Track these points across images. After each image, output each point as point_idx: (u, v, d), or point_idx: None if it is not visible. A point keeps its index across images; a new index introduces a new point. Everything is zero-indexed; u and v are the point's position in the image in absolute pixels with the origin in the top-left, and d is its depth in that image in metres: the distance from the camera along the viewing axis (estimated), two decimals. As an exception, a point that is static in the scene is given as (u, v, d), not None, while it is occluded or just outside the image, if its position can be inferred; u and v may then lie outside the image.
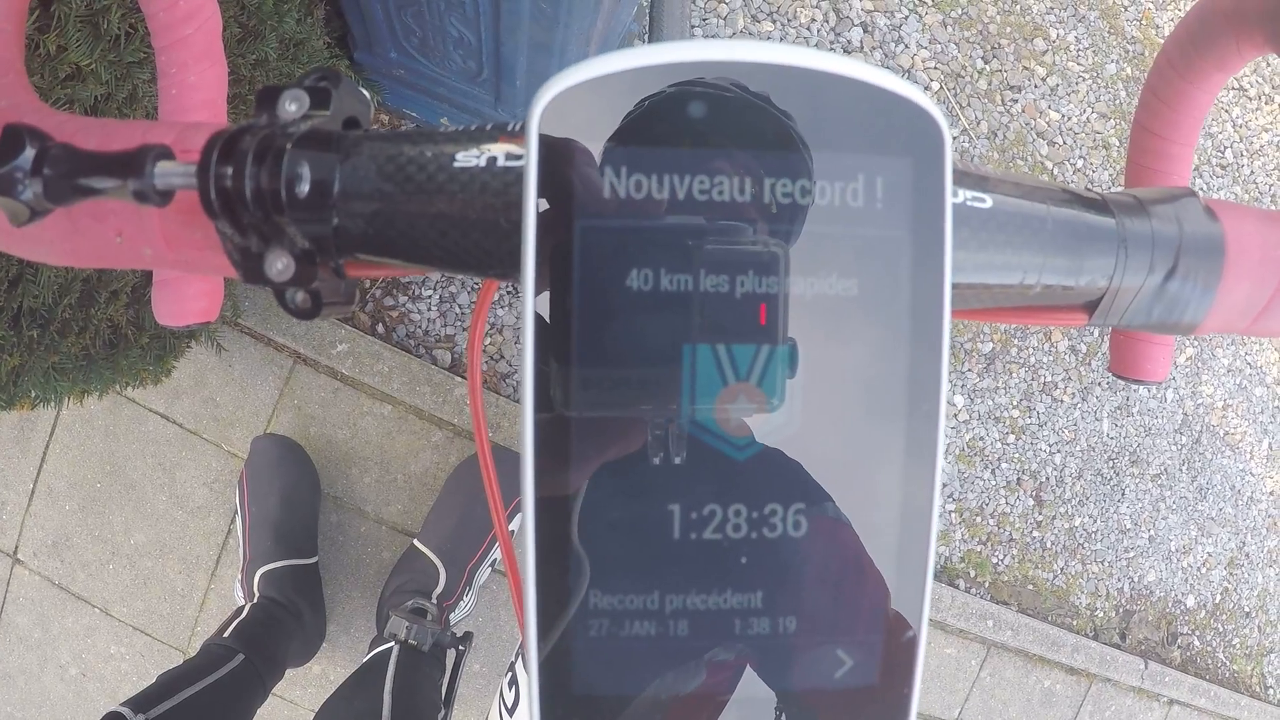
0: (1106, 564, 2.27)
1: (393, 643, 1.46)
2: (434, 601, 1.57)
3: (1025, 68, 2.14)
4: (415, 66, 1.46)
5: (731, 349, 0.30)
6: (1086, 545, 2.24)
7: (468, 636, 1.49)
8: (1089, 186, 0.41)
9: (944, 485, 2.09)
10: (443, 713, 1.37)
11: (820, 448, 0.30)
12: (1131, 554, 2.29)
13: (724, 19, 1.92)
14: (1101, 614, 2.27)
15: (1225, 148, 2.36)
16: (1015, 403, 2.13)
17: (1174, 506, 2.32)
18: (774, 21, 1.95)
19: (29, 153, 0.32)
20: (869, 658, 0.31)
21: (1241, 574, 2.43)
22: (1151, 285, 0.39)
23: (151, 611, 1.75)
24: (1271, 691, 2.52)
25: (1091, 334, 2.19)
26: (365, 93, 0.38)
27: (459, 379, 1.71)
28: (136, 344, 1.30)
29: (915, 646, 0.32)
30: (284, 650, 1.53)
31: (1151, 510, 2.30)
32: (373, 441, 1.72)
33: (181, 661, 1.41)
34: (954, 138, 2.01)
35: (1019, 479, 2.15)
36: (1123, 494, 2.26)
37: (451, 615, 1.62)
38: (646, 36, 1.25)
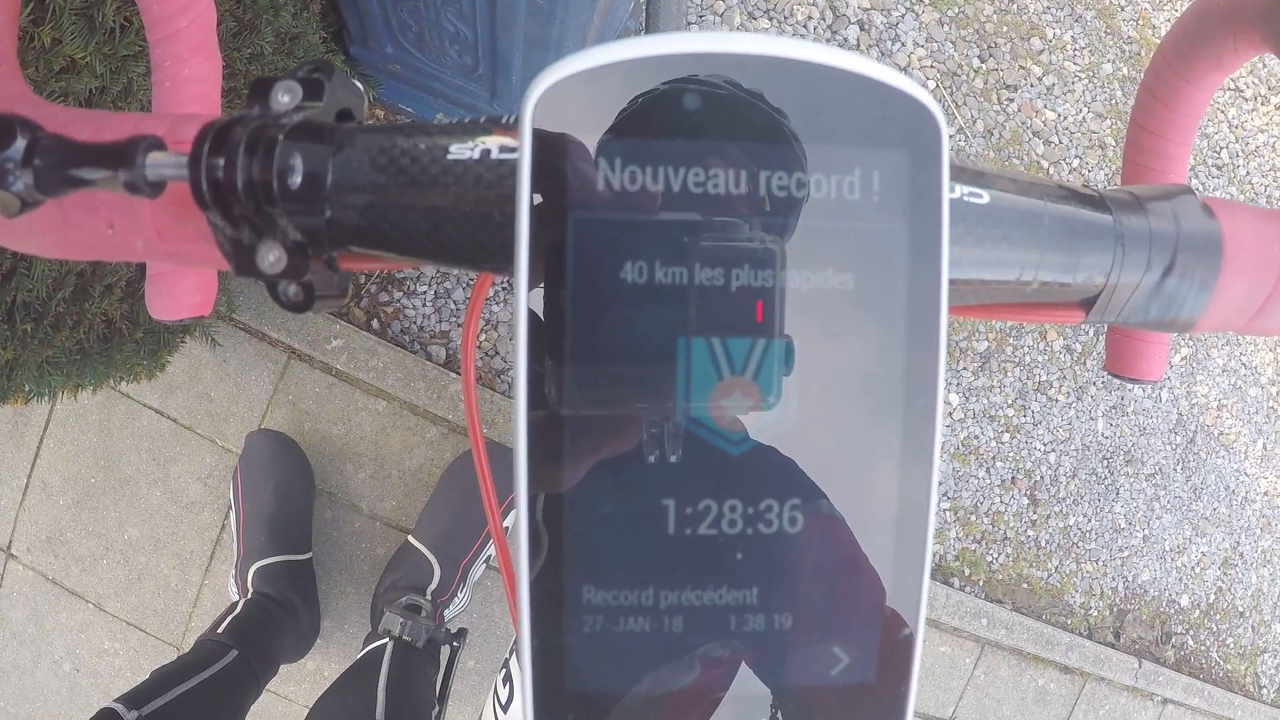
0: (1101, 563, 2.27)
1: (387, 639, 1.46)
2: (428, 598, 1.57)
3: (1022, 67, 2.14)
4: (411, 62, 1.45)
5: (727, 343, 0.29)
6: (1081, 544, 2.24)
7: (462, 633, 1.49)
8: (1085, 184, 0.41)
9: (939, 483, 2.09)
10: (437, 709, 1.37)
11: (816, 443, 0.30)
12: (1126, 553, 2.30)
13: (720, 15, 1.92)
14: (1096, 613, 2.28)
15: (1221, 148, 2.36)
16: (1010, 401, 2.13)
17: (1168, 506, 2.33)
18: (770, 18, 1.95)
19: (20, 143, 0.31)
20: (865, 655, 0.31)
21: (1236, 574, 2.44)
22: (1149, 283, 0.39)
23: (145, 607, 1.75)
24: (1265, 691, 2.52)
25: (1087, 333, 2.19)
26: (358, 85, 0.38)
27: (454, 375, 1.71)
28: (130, 338, 1.30)
29: (912, 644, 0.31)
30: (278, 646, 1.53)
31: (1146, 510, 2.30)
32: (367, 437, 1.71)
33: (175, 657, 1.41)
34: (950, 136, 2.01)
35: (1014, 478, 2.15)
36: (1117, 493, 2.26)
37: (446, 611, 1.62)
38: (643, 32, 1.25)
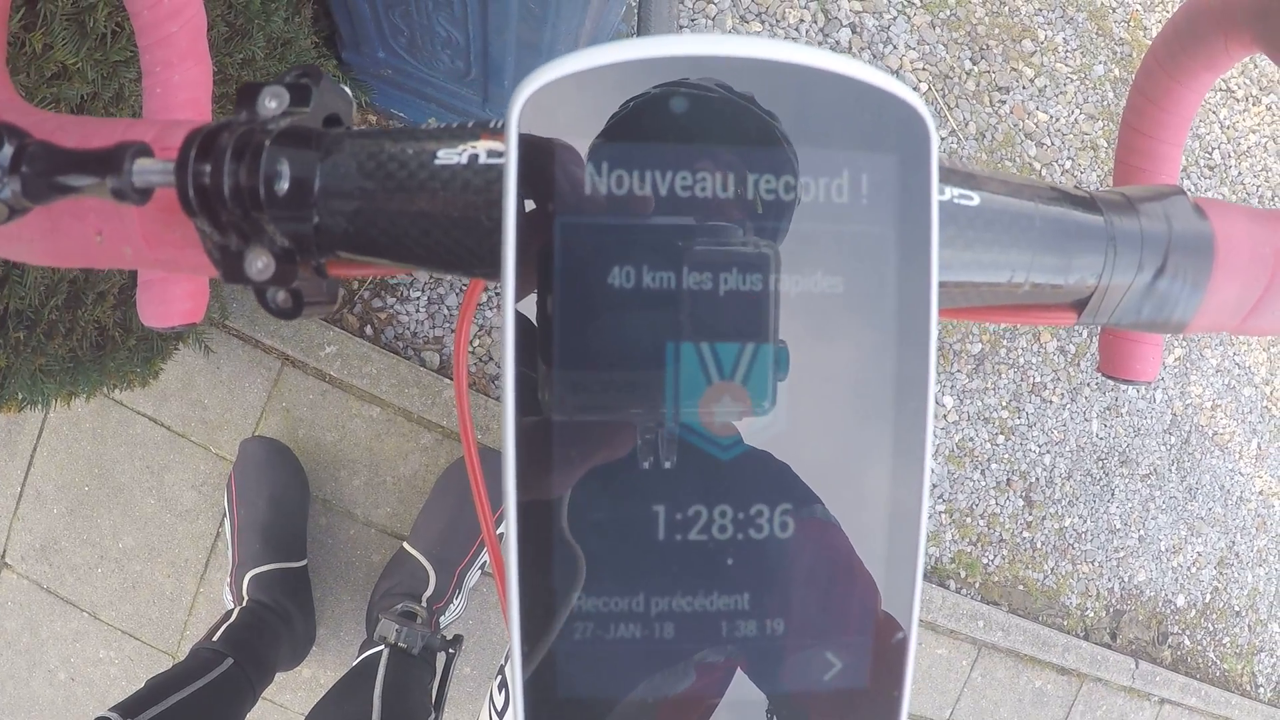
0: (1096, 564, 2.27)
1: (382, 646, 1.45)
2: (424, 604, 1.57)
3: (1013, 69, 2.15)
4: (403, 66, 1.45)
5: (716, 348, 0.29)
6: (1076, 545, 2.24)
7: (458, 639, 1.49)
8: (1077, 185, 0.41)
9: (934, 486, 2.09)
10: (433, 716, 1.37)
11: (806, 447, 0.30)
12: (1121, 554, 2.30)
13: (712, 19, 1.92)
14: (1092, 614, 2.28)
15: (1213, 149, 2.37)
16: (1004, 403, 2.13)
17: (1163, 506, 2.33)
18: (762, 22, 1.95)
19: (6, 150, 0.31)
20: (859, 660, 0.31)
21: (1231, 573, 2.44)
22: (1141, 284, 0.39)
23: (140, 615, 1.74)
24: (1261, 690, 2.52)
25: (1080, 335, 2.19)
26: (347, 90, 0.38)
27: (448, 381, 1.70)
28: (124, 346, 1.30)
29: (905, 648, 0.31)
30: (273, 654, 1.53)
31: (1141, 510, 2.30)
32: (361, 444, 1.71)
33: (170, 666, 1.40)
34: (942, 139, 2.02)
35: (1009, 480, 2.15)
36: (1112, 494, 2.26)
37: (441, 618, 1.62)
38: (634, 36, 1.25)
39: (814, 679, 0.31)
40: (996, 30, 2.13)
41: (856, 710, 0.31)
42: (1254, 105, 2.42)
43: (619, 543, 0.29)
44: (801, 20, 1.97)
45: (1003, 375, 2.12)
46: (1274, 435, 2.45)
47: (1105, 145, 2.20)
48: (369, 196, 0.34)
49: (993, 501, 2.14)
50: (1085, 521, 2.24)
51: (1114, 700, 2.29)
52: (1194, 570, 2.39)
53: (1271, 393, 2.43)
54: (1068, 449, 2.21)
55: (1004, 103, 2.13)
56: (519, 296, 0.28)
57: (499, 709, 0.87)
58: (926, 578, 2.05)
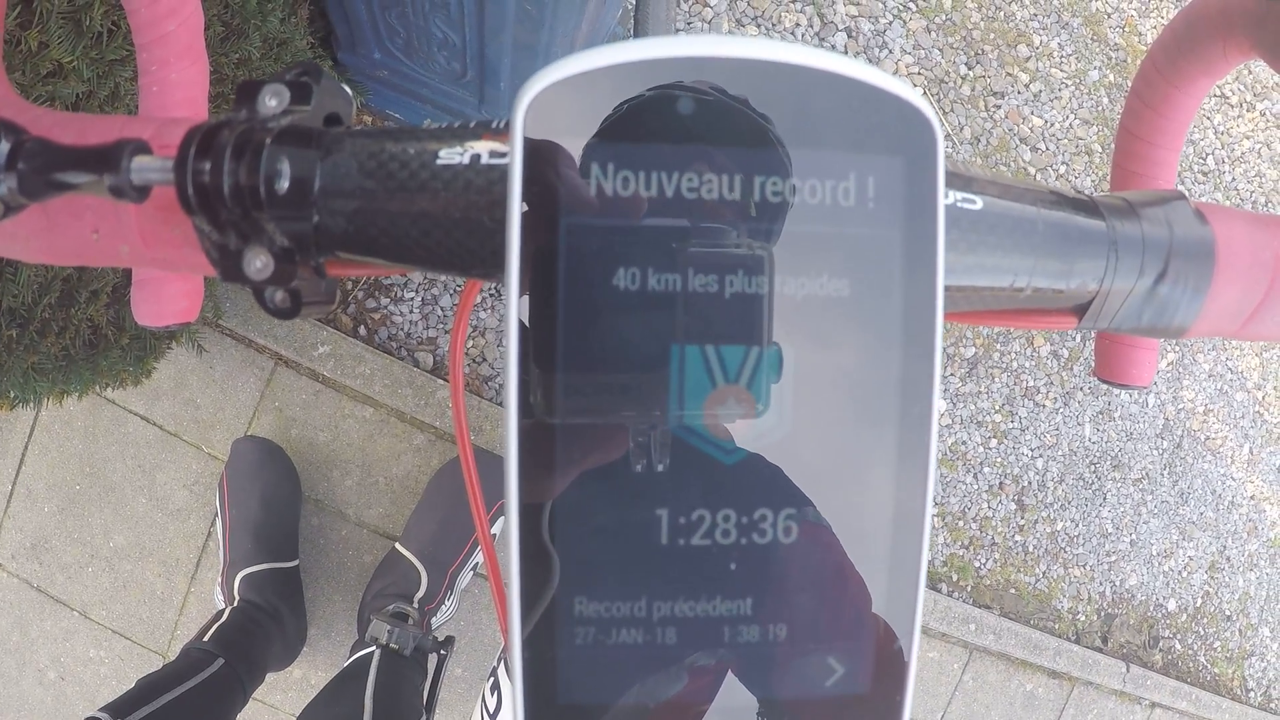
0: (1088, 568, 2.27)
1: (374, 647, 1.45)
2: (416, 605, 1.57)
3: (1009, 74, 2.15)
4: (399, 68, 1.45)
5: (721, 351, 0.29)
6: (1068, 549, 2.25)
7: (449, 641, 1.48)
8: (1078, 190, 0.41)
9: (927, 489, 2.09)
10: (424, 717, 1.36)
11: (810, 451, 0.30)
12: (1113, 558, 2.30)
13: (708, 23, 1.92)
14: (1083, 618, 2.28)
15: (1207, 154, 2.37)
16: (997, 407, 2.14)
17: (1155, 511, 2.33)
18: (758, 25, 1.95)
19: (3, 146, 0.31)
20: (860, 666, 0.31)
21: (1222, 578, 2.44)
22: (1142, 288, 0.39)
23: (131, 615, 1.74)
24: (1252, 694, 2.53)
25: (1074, 339, 2.19)
26: (347, 89, 0.38)
27: (441, 381, 1.70)
28: (117, 344, 1.29)
29: (907, 654, 0.31)
30: (264, 654, 1.52)
31: (1133, 514, 2.31)
32: (354, 444, 1.71)
33: (161, 665, 1.40)
34: (938, 142, 2.02)
35: (1001, 483, 2.16)
36: (1104, 498, 2.27)
37: (433, 619, 1.61)
38: (632, 39, 1.25)
39: (814, 685, 0.31)
40: (992, 35, 2.13)
41: (857, 716, 0.31)
42: (1248, 111, 2.43)
43: (622, 547, 0.29)
44: (797, 24, 1.98)
45: (996, 379, 2.13)
46: (1266, 440, 2.45)
47: (1100, 150, 2.21)
48: (369, 196, 0.34)
49: (985, 505, 2.14)
50: (1077, 525, 2.25)
51: (1105, 704, 2.29)
52: (1185, 574, 2.39)
53: (1263, 398, 2.44)
54: (1060, 453, 2.21)
55: (999, 107, 2.13)
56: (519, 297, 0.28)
57: (491, 711, 0.87)
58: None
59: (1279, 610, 2.55)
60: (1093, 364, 0.59)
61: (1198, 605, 2.42)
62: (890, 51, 2.04)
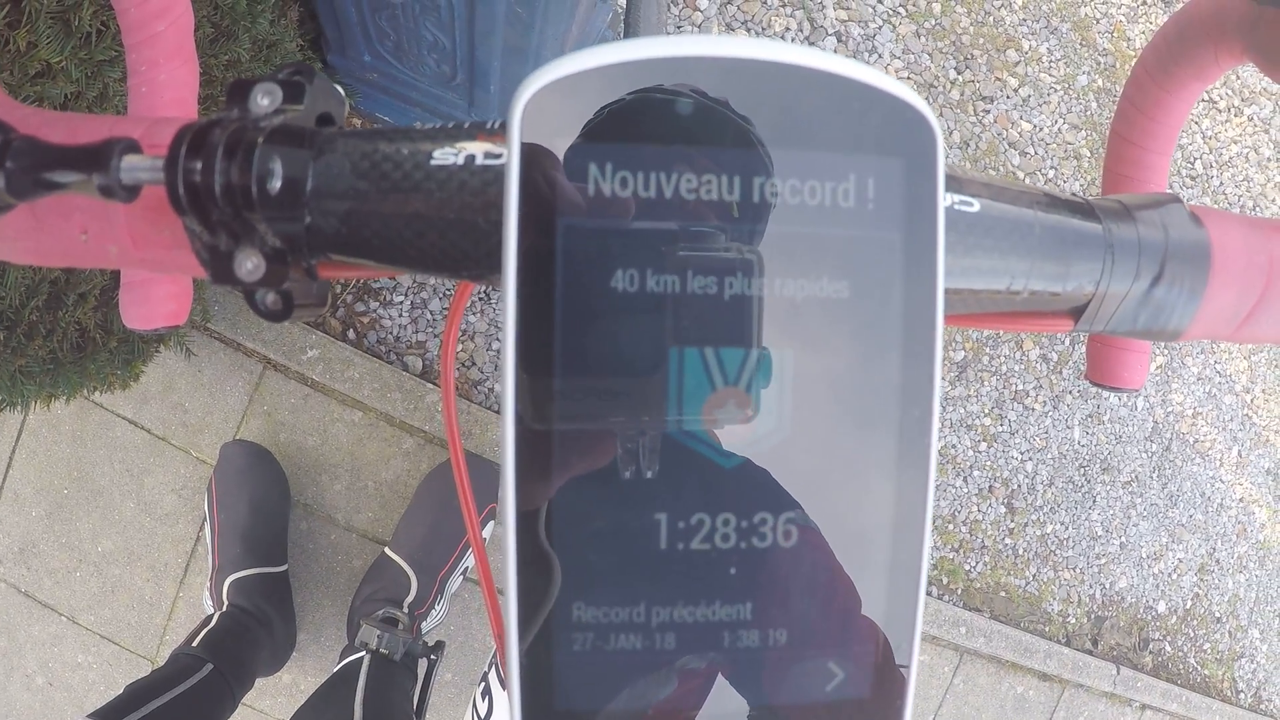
0: (1078, 570, 2.28)
1: (364, 652, 1.44)
2: (405, 610, 1.56)
3: (998, 78, 2.16)
4: (389, 70, 1.45)
5: (719, 354, 0.29)
6: (1058, 552, 2.25)
7: (440, 645, 1.48)
8: (1074, 193, 0.41)
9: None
10: (414, 722, 1.36)
11: (809, 455, 0.30)
12: (1103, 560, 2.31)
13: (698, 27, 1.92)
14: (1073, 620, 2.28)
15: (1195, 159, 2.38)
16: (987, 410, 2.14)
17: (1145, 513, 2.34)
18: (748, 29, 1.95)
19: (-10, 145, 0.31)
20: (861, 671, 0.31)
21: (1212, 580, 2.45)
22: (1138, 291, 0.39)
23: (119, 620, 1.73)
24: (1242, 696, 2.54)
25: (1063, 342, 2.20)
26: (339, 89, 0.37)
27: (430, 385, 1.70)
28: (104, 348, 1.29)
29: (908, 660, 0.31)
30: (253, 659, 1.52)
31: (1123, 517, 2.32)
32: (343, 448, 1.70)
33: (149, 671, 1.39)
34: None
35: (991, 486, 2.16)
36: (1094, 501, 2.27)
37: (423, 624, 1.61)
38: (623, 41, 1.25)
39: (815, 690, 0.30)
40: (981, 40, 2.14)
41: None
42: (1236, 116, 2.44)
43: (620, 552, 0.29)
44: (787, 28, 1.98)
45: (985, 382, 2.13)
46: (1254, 443, 2.46)
47: (1089, 154, 2.21)
48: (362, 197, 0.33)
49: (975, 508, 2.15)
50: (1067, 528, 2.25)
51: (1095, 706, 2.30)
52: (1175, 577, 2.40)
53: (1252, 400, 2.45)
54: (1049, 456, 2.22)
55: (988, 112, 2.14)
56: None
57: (482, 716, 0.86)
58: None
59: (1268, 612, 2.56)
60: (1083, 367, 0.59)
61: (1187, 607, 2.43)
62: (880, 56, 2.05)
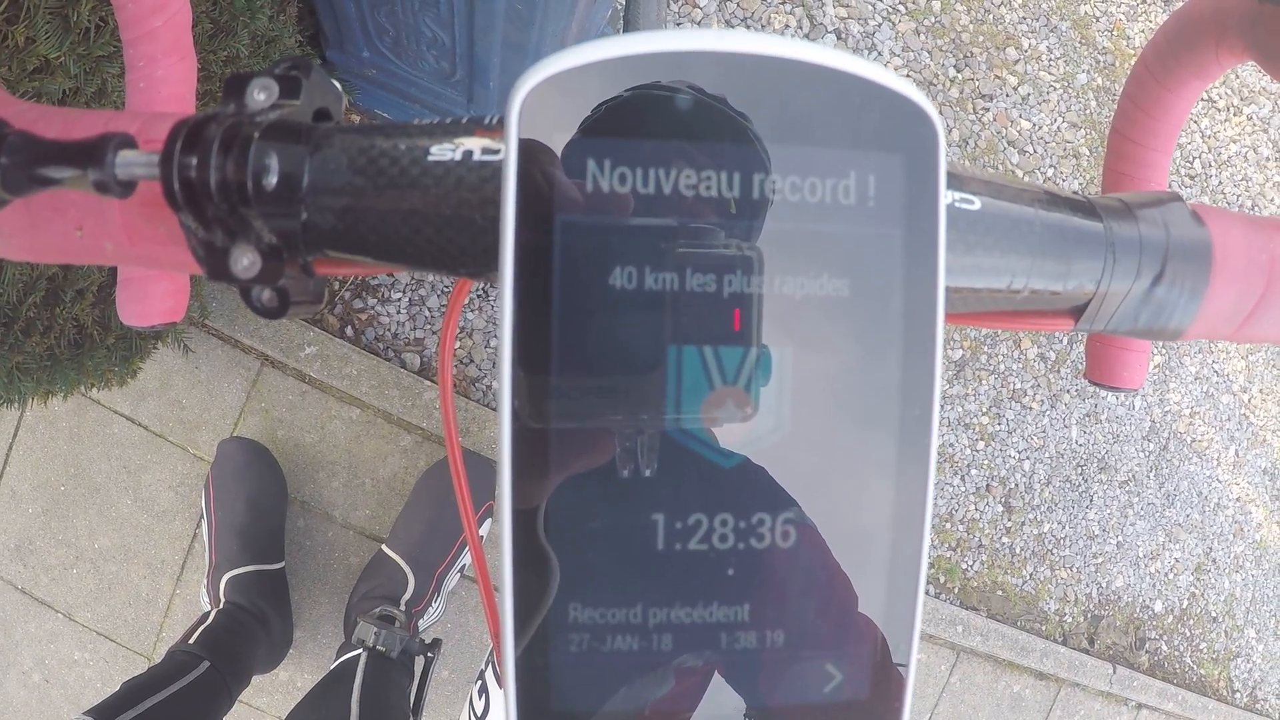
0: (1075, 569, 2.28)
1: (360, 649, 1.44)
2: (402, 608, 1.56)
3: (997, 76, 2.15)
4: (388, 66, 1.44)
5: (719, 352, 0.28)
6: (1055, 551, 2.25)
7: (436, 643, 1.48)
8: (1074, 191, 0.40)
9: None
10: (411, 720, 1.36)
11: (808, 453, 0.29)
12: (1100, 560, 2.31)
13: (698, 24, 1.92)
14: (1070, 619, 2.28)
15: (1194, 158, 2.38)
16: (985, 409, 2.14)
17: (1142, 513, 2.34)
18: (748, 27, 1.95)
19: (-14, 140, 0.30)
20: (859, 672, 0.30)
21: (1208, 579, 2.45)
22: (1139, 290, 0.39)
23: (116, 617, 1.72)
24: (1238, 695, 2.54)
25: (1061, 341, 2.20)
26: (336, 84, 0.37)
27: (428, 382, 1.69)
28: (102, 344, 1.28)
29: (907, 661, 0.31)
30: (250, 657, 1.51)
31: (1119, 516, 2.32)
32: (341, 445, 1.70)
33: (146, 668, 1.39)
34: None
35: (988, 485, 2.16)
36: (1091, 500, 2.27)
37: (420, 622, 1.61)
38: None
39: (813, 691, 0.30)
40: (980, 38, 2.14)
41: None
42: (1235, 115, 2.44)
43: (617, 552, 0.29)
44: (786, 25, 1.98)
45: (983, 381, 2.13)
46: (1251, 442, 2.46)
47: (1088, 153, 2.21)
48: (359, 193, 0.33)
49: (972, 507, 2.15)
50: (1064, 527, 2.25)
51: (1092, 705, 2.30)
52: (1171, 576, 2.40)
53: (1249, 400, 2.45)
54: (1047, 455, 2.22)
55: (987, 110, 2.14)
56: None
57: (479, 714, 0.86)
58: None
59: (1264, 612, 2.57)
60: (1081, 366, 0.59)
61: (1184, 607, 2.43)
62: (879, 54, 2.05)
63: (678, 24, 1.91)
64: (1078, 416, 2.24)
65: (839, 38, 2.01)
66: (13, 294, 1.02)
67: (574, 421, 0.28)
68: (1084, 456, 2.26)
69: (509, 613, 0.28)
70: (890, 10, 2.06)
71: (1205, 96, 2.42)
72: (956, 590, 2.14)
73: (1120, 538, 2.32)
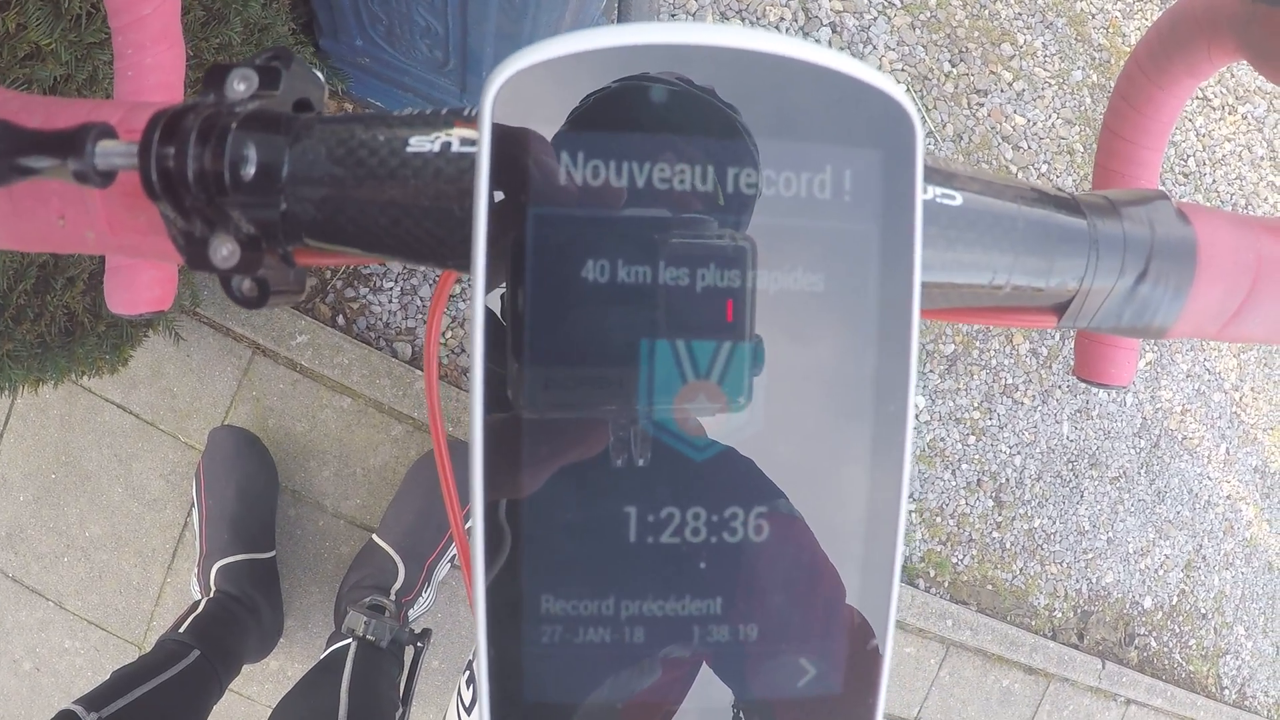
0: (1065, 565, 2.28)
1: (350, 639, 1.44)
2: (392, 597, 1.56)
3: (992, 72, 2.15)
4: (381, 55, 1.44)
5: (692, 345, 0.28)
6: (1045, 546, 2.26)
7: (426, 633, 1.48)
8: (1059, 188, 0.40)
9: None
10: (400, 710, 1.36)
11: (782, 448, 0.29)
12: (1090, 555, 2.31)
13: (692, 15, 1.92)
14: (1060, 614, 2.29)
15: (1188, 156, 2.39)
16: (976, 404, 2.14)
17: (1132, 509, 2.35)
18: (743, 20, 1.95)
19: (-36, 130, 0.30)
20: (833, 666, 0.30)
21: (1198, 576, 2.46)
22: (1123, 288, 0.39)
23: (106, 605, 1.72)
24: (1227, 691, 2.55)
25: (1053, 338, 2.20)
26: (319, 74, 0.37)
27: (419, 372, 1.69)
28: (93, 332, 1.28)
29: (880, 654, 0.31)
30: (241, 646, 1.51)
31: (1110, 512, 2.32)
32: (332, 434, 1.70)
33: (137, 657, 1.39)
34: (922, 139, 2.03)
35: (979, 480, 2.16)
36: (1081, 496, 2.28)
37: (410, 611, 1.61)
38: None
39: (786, 685, 0.30)
40: (976, 33, 2.14)
41: (830, 717, 0.31)
42: (1229, 114, 2.44)
43: (589, 545, 0.29)
44: (782, 18, 1.97)
45: (975, 376, 2.13)
46: (1242, 440, 2.47)
47: (1082, 150, 2.21)
48: (338, 184, 0.33)
49: (963, 501, 2.15)
50: (1054, 523, 2.26)
51: (1080, 700, 2.30)
52: (1161, 572, 2.41)
53: (1240, 398, 2.46)
54: (1038, 451, 2.22)
55: (982, 105, 2.14)
56: (489, 289, 0.28)
57: (467, 704, 0.86)
58: (897, 577, 2.06)
59: (1254, 609, 2.57)
60: (1072, 363, 0.59)
61: (1173, 603, 2.44)
62: (874, 48, 2.04)
63: (673, 15, 1.91)
64: (1069, 412, 2.25)
65: (834, 31, 2.01)
66: (3, 281, 1.02)
67: (546, 414, 0.28)
68: (1075, 452, 2.26)
69: (480, 605, 0.28)
70: (886, 4, 2.06)
71: (1200, 95, 2.42)
72: (946, 584, 2.15)
73: (1110, 534, 2.33)
